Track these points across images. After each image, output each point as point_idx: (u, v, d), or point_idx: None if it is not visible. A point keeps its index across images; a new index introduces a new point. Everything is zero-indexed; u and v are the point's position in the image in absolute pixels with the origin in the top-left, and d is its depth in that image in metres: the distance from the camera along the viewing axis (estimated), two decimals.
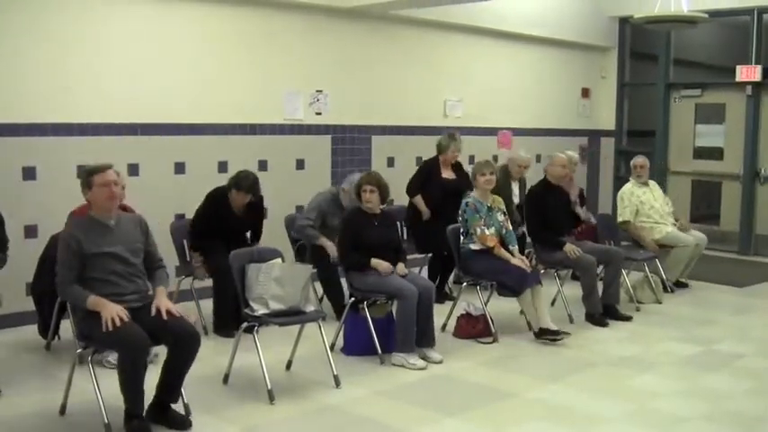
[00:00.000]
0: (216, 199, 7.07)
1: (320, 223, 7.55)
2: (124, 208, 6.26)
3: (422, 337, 6.37)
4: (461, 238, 7.11)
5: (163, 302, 4.90)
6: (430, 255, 8.37)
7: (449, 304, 7.52)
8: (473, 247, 7.01)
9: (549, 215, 7.61)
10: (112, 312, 4.64)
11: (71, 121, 7.26)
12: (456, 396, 5.78)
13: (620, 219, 8.99)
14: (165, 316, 4.82)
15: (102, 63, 7.43)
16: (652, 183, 9.28)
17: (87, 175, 4.95)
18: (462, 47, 10.71)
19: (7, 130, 6.90)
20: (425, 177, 8.35)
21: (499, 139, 11.27)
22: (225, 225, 6.99)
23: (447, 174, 8.43)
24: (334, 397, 5.55)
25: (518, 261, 6.91)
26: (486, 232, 6.96)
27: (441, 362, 6.29)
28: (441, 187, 8.24)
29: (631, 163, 9.31)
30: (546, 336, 6.87)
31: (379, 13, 9.57)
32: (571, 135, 12.41)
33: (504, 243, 7.08)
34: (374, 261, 6.34)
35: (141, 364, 4.72)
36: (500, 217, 7.12)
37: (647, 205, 8.94)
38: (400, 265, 6.48)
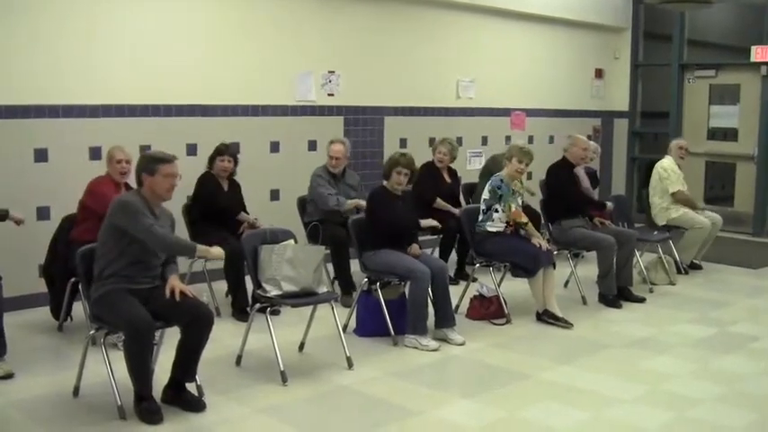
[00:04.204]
0: (206, 179, 7.20)
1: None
2: (127, 186, 6.29)
3: (441, 318, 6.39)
4: (480, 217, 7.07)
5: (176, 284, 4.90)
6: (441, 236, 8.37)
7: (462, 285, 7.51)
8: (490, 228, 6.98)
9: (567, 196, 7.57)
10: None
11: (83, 102, 7.25)
12: (469, 377, 5.79)
13: (671, 190, 8.85)
14: (177, 297, 4.83)
15: (115, 45, 7.41)
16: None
17: (153, 162, 4.92)
18: (475, 27, 10.63)
19: (19, 111, 6.89)
20: (432, 179, 8.42)
21: (512, 120, 11.21)
22: (217, 205, 7.11)
23: (446, 176, 8.63)
24: (347, 378, 5.55)
25: (537, 241, 6.89)
26: (513, 208, 6.96)
27: (462, 343, 6.28)
28: (444, 188, 8.47)
29: (675, 143, 9.21)
30: (547, 316, 6.87)
31: None
32: (584, 116, 12.34)
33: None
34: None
35: (147, 346, 4.75)
36: (520, 201, 7.09)
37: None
38: (414, 246, 6.47)
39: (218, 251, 5.18)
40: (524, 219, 6.97)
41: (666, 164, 9.03)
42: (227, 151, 7.23)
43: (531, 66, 11.50)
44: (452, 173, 8.76)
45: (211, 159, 7.25)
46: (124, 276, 4.86)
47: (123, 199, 4.97)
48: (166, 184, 4.93)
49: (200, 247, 5.03)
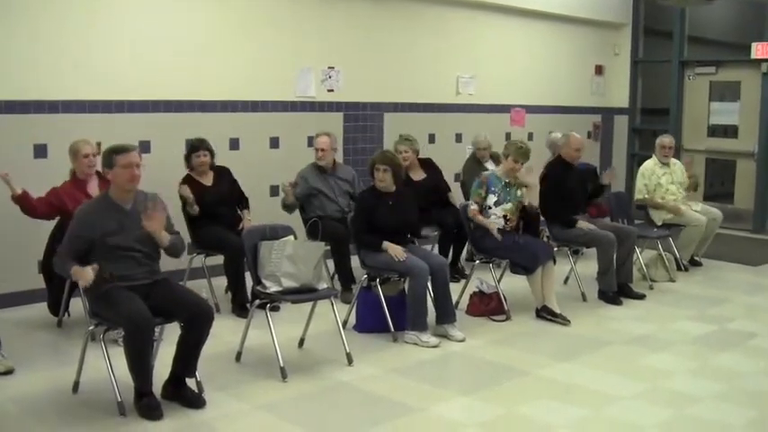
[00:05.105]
0: (185, 182, 7.08)
1: (307, 193, 7.65)
2: (99, 175, 6.30)
3: (442, 315, 6.38)
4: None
5: (155, 223, 4.90)
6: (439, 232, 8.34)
7: (462, 282, 7.51)
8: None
9: (565, 193, 7.56)
10: (86, 277, 4.69)
11: (82, 98, 7.24)
12: (469, 374, 5.79)
13: (638, 196, 8.87)
14: (146, 224, 4.84)
15: (115, 41, 7.40)
16: (673, 162, 9.10)
17: (111, 155, 4.93)
18: (475, 23, 10.63)
19: (19, 107, 6.89)
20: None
21: (512, 117, 11.21)
22: (204, 202, 7.00)
23: (416, 175, 8.37)
24: (347, 374, 5.55)
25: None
26: (472, 206, 6.99)
27: (463, 340, 6.28)
28: (413, 189, 8.19)
29: (657, 142, 9.05)
30: (546, 313, 6.88)
31: None
32: (584, 113, 12.33)
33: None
34: (386, 244, 6.32)
35: (147, 342, 4.74)
36: (518, 193, 7.07)
37: (664, 188, 8.82)
38: (392, 247, 6.36)
39: (82, 276, 4.72)
40: (470, 214, 7.00)
41: (647, 166, 8.95)
42: (202, 146, 7.13)
43: (531, 62, 11.50)
44: (427, 165, 8.55)
45: (188, 158, 7.16)
46: (120, 277, 4.84)
47: (76, 212, 5.01)
48: (126, 175, 4.89)
49: (78, 272, 4.76)
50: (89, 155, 6.33)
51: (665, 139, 9.06)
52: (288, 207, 7.65)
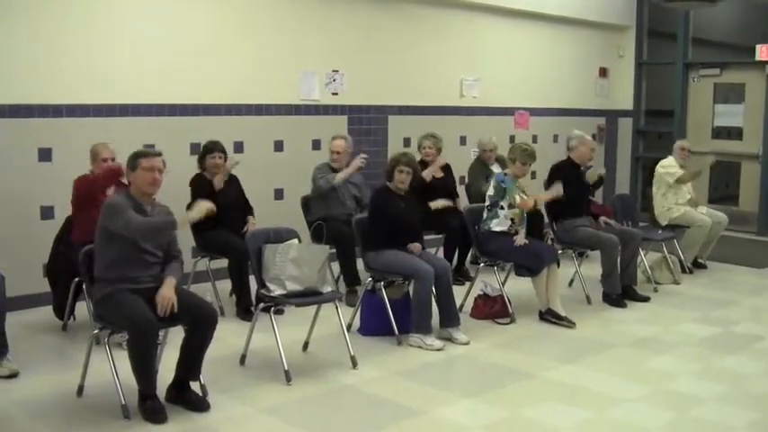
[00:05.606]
0: (197, 181, 7.11)
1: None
2: (119, 183, 6.32)
3: (446, 318, 6.38)
4: (484, 215, 7.06)
5: (165, 293, 4.83)
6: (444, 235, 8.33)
7: (466, 285, 7.51)
8: (494, 227, 6.97)
9: (571, 195, 7.54)
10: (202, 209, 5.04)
11: (86, 102, 7.25)
12: (473, 377, 5.79)
13: (673, 179, 8.83)
14: (160, 310, 4.77)
15: (116, 45, 7.41)
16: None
17: (135, 158, 5.02)
18: (479, 26, 10.63)
19: (23, 111, 6.90)
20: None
21: (516, 120, 11.20)
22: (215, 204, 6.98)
23: (435, 173, 8.39)
24: (351, 377, 5.55)
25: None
26: (518, 199, 6.99)
27: (467, 343, 6.27)
28: (430, 185, 8.23)
29: (676, 145, 9.16)
30: (550, 316, 6.87)
31: None
32: (588, 115, 12.31)
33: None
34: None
35: (151, 346, 4.75)
36: (517, 198, 7.06)
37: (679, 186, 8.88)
38: (415, 244, 6.47)
39: (200, 208, 5.08)
40: (531, 203, 7.01)
41: (667, 161, 9.04)
42: (216, 148, 7.16)
43: (535, 64, 11.49)
44: (442, 167, 8.57)
45: (201, 159, 7.20)
46: (127, 278, 4.86)
47: (109, 201, 5.05)
48: (148, 178, 4.97)
49: (182, 218, 5.00)
50: (107, 159, 6.40)
51: (684, 143, 9.24)
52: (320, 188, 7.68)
